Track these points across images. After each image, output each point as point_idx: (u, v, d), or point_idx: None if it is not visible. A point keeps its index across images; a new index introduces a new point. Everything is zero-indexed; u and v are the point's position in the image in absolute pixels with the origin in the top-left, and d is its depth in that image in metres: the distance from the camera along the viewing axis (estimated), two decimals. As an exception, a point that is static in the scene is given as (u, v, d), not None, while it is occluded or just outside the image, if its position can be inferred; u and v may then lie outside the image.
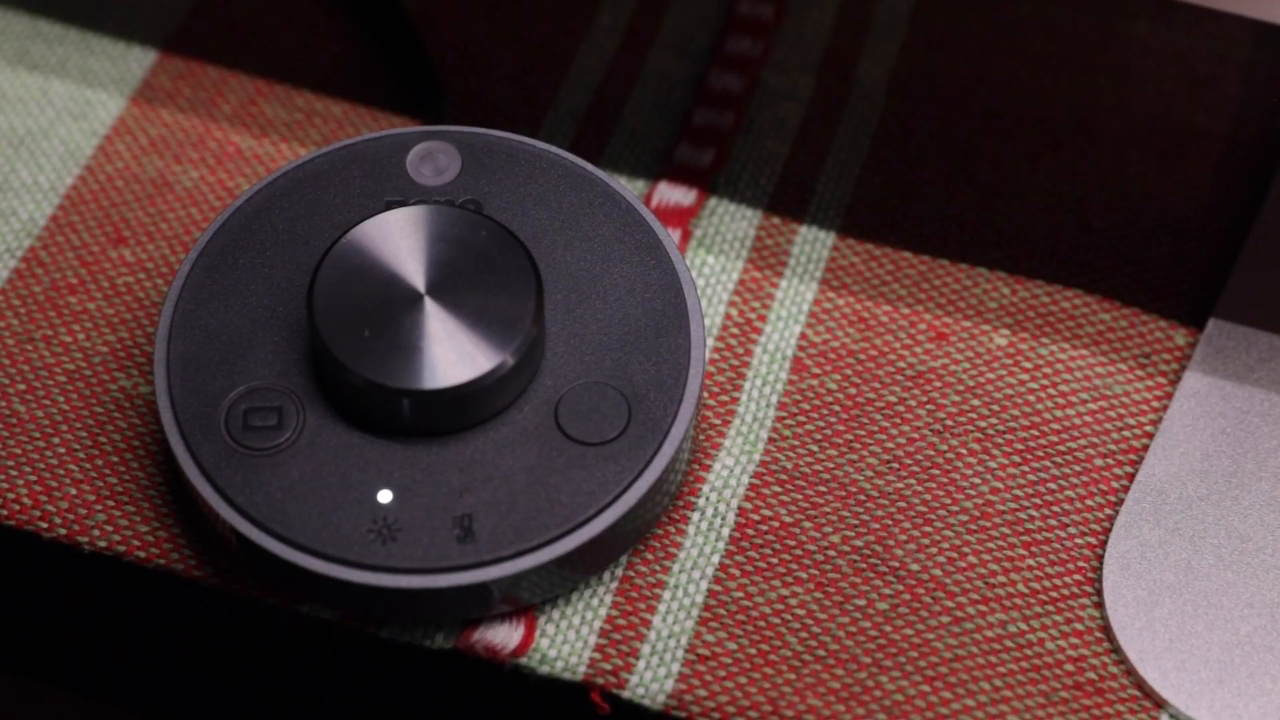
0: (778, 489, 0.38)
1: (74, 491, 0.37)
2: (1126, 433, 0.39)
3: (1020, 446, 0.38)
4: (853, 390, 0.39)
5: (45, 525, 0.37)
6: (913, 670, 0.35)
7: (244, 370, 0.35)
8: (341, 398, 0.34)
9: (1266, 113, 0.43)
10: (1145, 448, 0.38)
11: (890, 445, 0.38)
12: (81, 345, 0.39)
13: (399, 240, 0.34)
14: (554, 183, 0.37)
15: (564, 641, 0.36)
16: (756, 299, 0.40)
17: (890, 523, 0.37)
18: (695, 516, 0.37)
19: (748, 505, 0.37)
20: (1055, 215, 0.42)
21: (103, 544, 0.37)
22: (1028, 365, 0.40)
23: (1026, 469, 0.38)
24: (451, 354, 0.33)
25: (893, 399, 0.39)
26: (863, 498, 0.38)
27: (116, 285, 0.40)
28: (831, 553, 0.37)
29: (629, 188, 0.38)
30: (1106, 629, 0.36)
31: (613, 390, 0.35)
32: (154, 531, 0.37)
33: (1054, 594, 0.37)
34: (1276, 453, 0.38)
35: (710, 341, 0.40)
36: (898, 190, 0.42)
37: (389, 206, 0.37)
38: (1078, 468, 0.38)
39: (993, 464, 0.38)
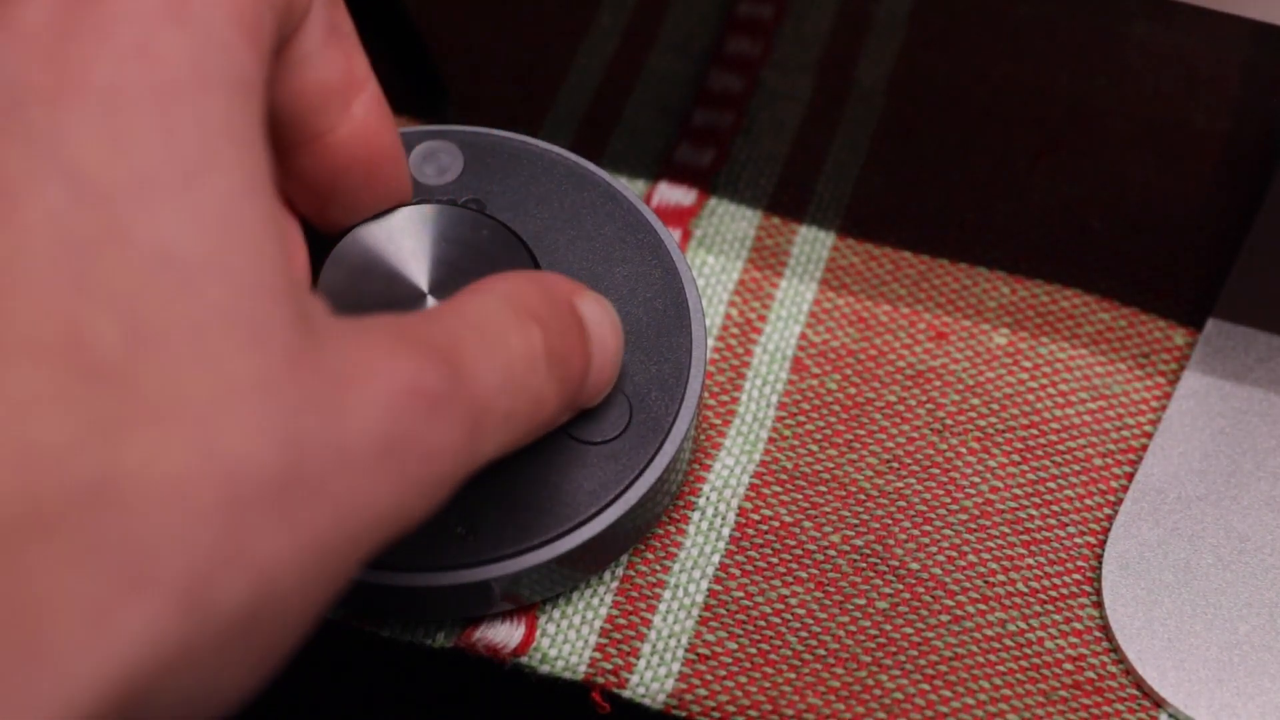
0: (778, 488, 0.38)
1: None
2: (1125, 432, 0.39)
3: (1020, 446, 0.38)
4: (853, 390, 0.39)
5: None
6: (912, 669, 0.35)
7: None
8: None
9: (1266, 113, 0.43)
10: (1144, 447, 0.38)
11: (890, 445, 0.38)
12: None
13: (402, 239, 0.34)
14: (556, 182, 0.37)
15: (565, 641, 0.36)
16: (756, 299, 0.40)
17: (890, 522, 0.37)
18: (695, 516, 0.37)
19: (748, 505, 0.38)
20: (1054, 215, 0.42)
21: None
22: (1027, 365, 0.40)
23: (1026, 468, 0.38)
24: (454, 353, 0.33)
25: (893, 398, 0.39)
26: (863, 497, 0.38)
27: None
28: (831, 552, 0.37)
29: (630, 188, 0.38)
30: (1105, 628, 0.36)
31: (614, 389, 0.35)
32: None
33: (1053, 593, 0.37)
34: (1275, 452, 0.38)
35: (710, 341, 0.40)
36: (897, 190, 0.42)
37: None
38: (1077, 467, 0.38)
39: (992, 463, 0.38)
